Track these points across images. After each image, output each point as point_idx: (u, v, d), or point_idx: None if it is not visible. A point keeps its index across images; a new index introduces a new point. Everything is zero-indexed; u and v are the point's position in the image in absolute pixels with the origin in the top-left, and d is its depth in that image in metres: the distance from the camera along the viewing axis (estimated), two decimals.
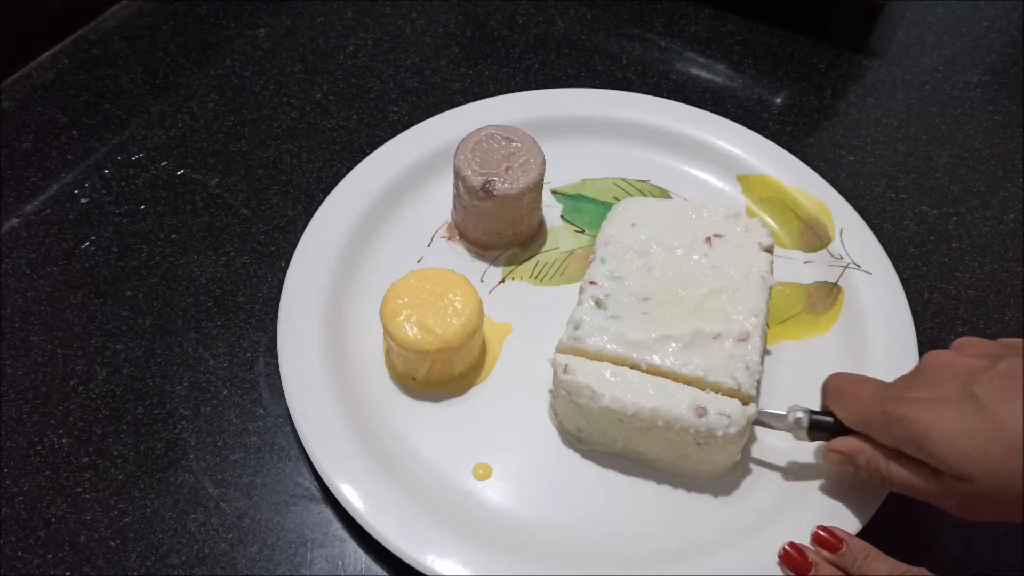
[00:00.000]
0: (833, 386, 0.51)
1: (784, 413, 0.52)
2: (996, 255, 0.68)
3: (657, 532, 0.52)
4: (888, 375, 0.51)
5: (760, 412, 0.52)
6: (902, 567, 0.46)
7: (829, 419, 0.50)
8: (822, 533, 0.49)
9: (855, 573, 0.47)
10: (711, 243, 0.58)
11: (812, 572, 0.48)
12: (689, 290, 0.55)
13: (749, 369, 0.52)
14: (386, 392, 0.58)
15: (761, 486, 0.54)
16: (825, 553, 0.48)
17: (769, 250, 0.58)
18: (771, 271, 0.57)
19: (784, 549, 0.49)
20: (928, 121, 0.77)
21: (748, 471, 0.55)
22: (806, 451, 0.55)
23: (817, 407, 0.52)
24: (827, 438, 0.51)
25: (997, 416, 0.42)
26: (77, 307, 0.62)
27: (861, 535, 0.49)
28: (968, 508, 0.44)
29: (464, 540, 0.50)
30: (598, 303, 0.55)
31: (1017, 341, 0.45)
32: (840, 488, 0.52)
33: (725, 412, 0.50)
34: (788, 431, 0.52)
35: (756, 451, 0.55)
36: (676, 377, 0.52)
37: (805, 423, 0.51)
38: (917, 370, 0.48)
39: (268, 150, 0.72)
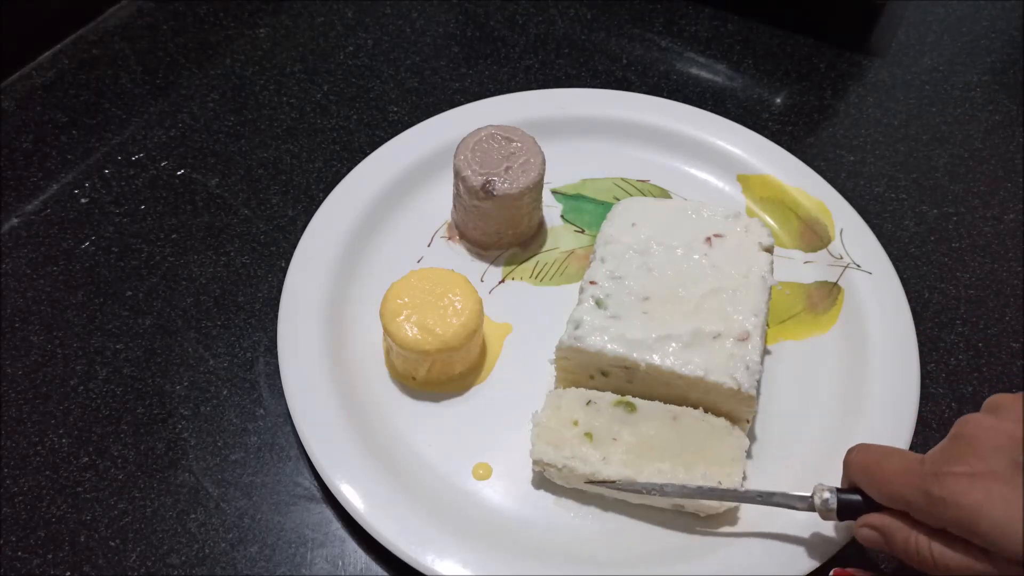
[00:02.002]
0: (858, 464, 0.46)
1: (808, 495, 0.47)
2: (996, 255, 0.68)
3: (657, 532, 0.52)
4: (888, 375, 0.51)
5: (781, 495, 0.48)
6: None
7: (858, 498, 0.46)
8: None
9: None
10: (711, 243, 0.58)
11: None
12: (689, 290, 0.55)
13: (749, 369, 0.52)
14: (386, 392, 0.58)
15: (761, 487, 0.54)
16: None
17: (769, 250, 0.58)
18: (771, 271, 0.57)
19: None
20: (928, 121, 0.77)
21: (749, 472, 0.54)
22: (806, 452, 0.55)
23: (821, 395, 0.51)
24: (856, 517, 0.46)
25: None
26: (77, 307, 0.62)
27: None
28: None
29: (464, 540, 0.50)
30: (598, 303, 0.55)
31: None
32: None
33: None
34: (813, 512, 0.47)
35: (757, 455, 0.55)
36: (676, 378, 0.52)
37: (833, 504, 0.46)
38: (953, 440, 0.42)
39: (268, 150, 0.72)
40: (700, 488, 0.49)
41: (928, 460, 0.42)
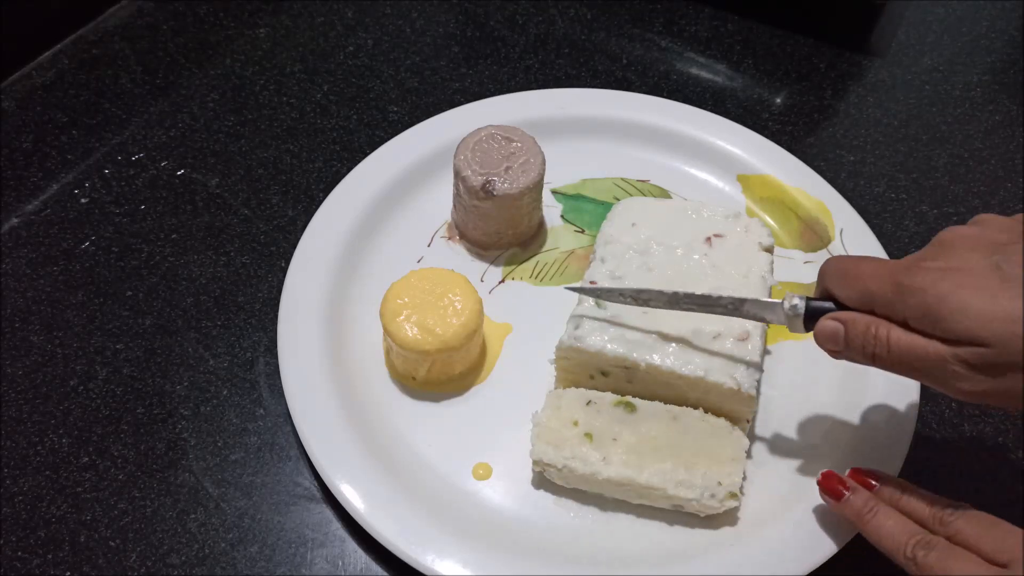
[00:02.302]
0: (834, 267, 0.46)
1: (779, 302, 0.49)
2: None
3: (657, 532, 0.52)
4: (888, 375, 0.50)
5: (751, 301, 0.49)
6: (945, 501, 0.45)
7: (828, 304, 0.46)
8: (857, 474, 0.48)
9: (905, 508, 0.45)
10: (711, 243, 0.58)
11: (847, 496, 0.47)
12: (689, 289, 0.55)
13: (749, 369, 0.52)
14: (386, 392, 0.58)
15: (762, 487, 0.54)
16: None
17: (769, 250, 0.58)
18: (771, 271, 0.57)
19: (822, 475, 0.49)
20: (928, 121, 0.77)
21: (749, 471, 0.55)
22: (806, 451, 0.55)
23: (821, 395, 0.51)
24: None
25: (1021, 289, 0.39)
26: (77, 307, 0.62)
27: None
28: (973, 382, 0.40)
29: (464, 540, 0.50)
30: (598, 302, 0.55)
31: None
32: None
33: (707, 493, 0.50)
34: (783, 323, 0.49)
35: (757, 455, 0.55)
36: (676, 378, 0.52)
37: (801, 309, 0.47)
38: (932, 244, 0.44)
39: (268, 150, 0.72)
40: (699, 296, 0.51)
41: (906, 259, 0.43)
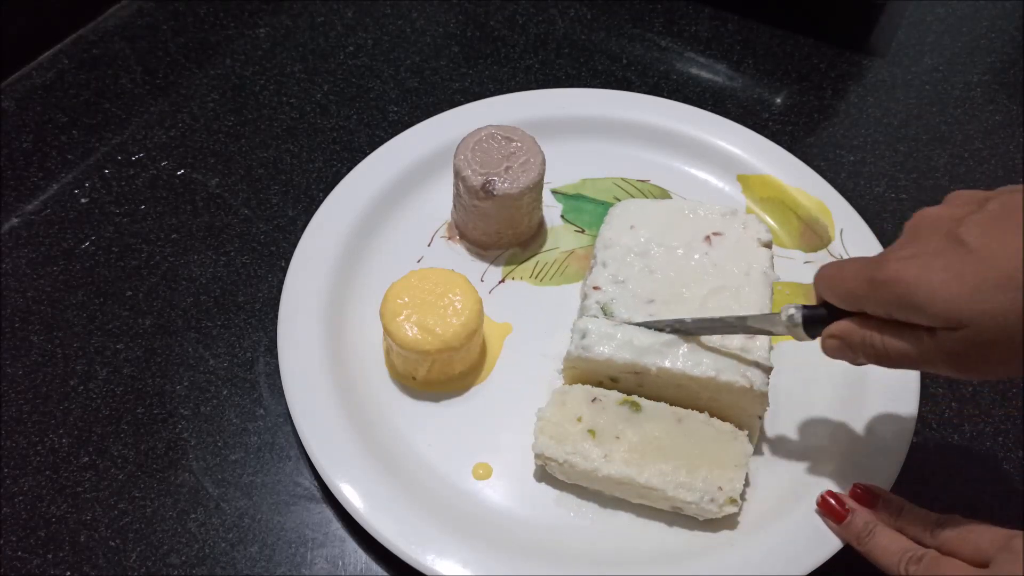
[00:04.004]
0: (822, 272, 0.47)
1: (776, 314, 0.49)
2: None
3: (657, 532, 0.52)
4: (888, 375, 0.51)
5: (751, 317, 0.51)
6: (935, 516, 0.46)
7: (822, 310, 0.48)
8: (859, 490, 0.50)
9: (892, 525, 0.47)
10: (710, 241, 0.58)
11: (848, 519, 0.49)
12: (692, 290, 0.55)
13: (760, 366, 0.52)
14: (386, 392, 0.58)
15: (761, 488, 0.54)
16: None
17: (768, 245, 0.58)
18: (772, 266, 0.57)
19: (822, 497, 0.50)
20: (928, 121, 0.77)
21: (749, 473, 0.54)
22: (806, 452, 0.55)
23: (820, 395, 0.51)
24: (821, 331, 0.48)
25: (984, 253, 0.39)
26: (77, 307, 0.62)
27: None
28: (965, 362, 0.41)
29: (464, 540, 0.50)
30: (604, 309, 0.55)
31: (1014, 187, 0.42)
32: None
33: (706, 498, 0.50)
34: (784, 333, 0.49)
35: (757, 455, 0.55)
36: (687, 380, 0.52)
37: (799, 319, 0.48)
38: (903, 232, 0.45)
39: (268, 150, 0.72)
40: (691, 320, 0.52)
41: (879, 254, 0.44)
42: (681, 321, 0.53)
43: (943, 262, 0.40)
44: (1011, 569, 0.41)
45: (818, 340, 0.48)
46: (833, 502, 0.50)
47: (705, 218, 0.59)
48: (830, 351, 0.47)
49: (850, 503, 0.50)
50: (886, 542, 0.46)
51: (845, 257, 0.49)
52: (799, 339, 0.49)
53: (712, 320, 0.52)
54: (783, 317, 0.49)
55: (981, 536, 0.43)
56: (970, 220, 0.41)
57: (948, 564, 0.43)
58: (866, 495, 0.50)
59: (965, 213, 0.42)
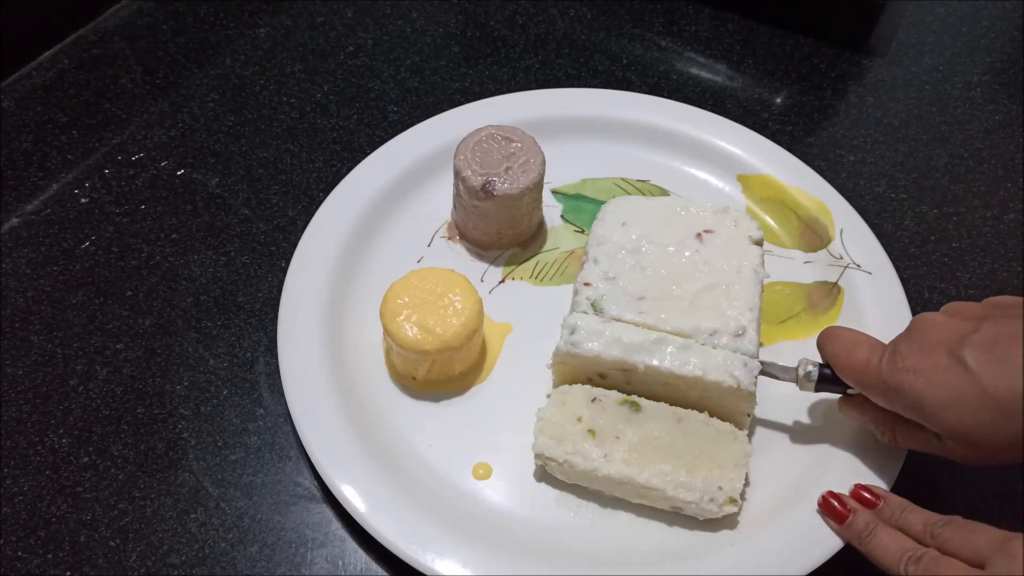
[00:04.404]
0: (828, 353, 0.52)
1: (794, 367, 0.53)
2: (996, 255, 0.68)
3: (657, 532, 0.52)
4: None
5: (767, 364, 0.53)
6: (936, 516, 0.47)
7: (832, 374, 0.52)
8: (859, 490, 0.51)
9: (893, 526, 0.48)
10: (702, 239, 0.58)
11: (849, 519, 0.49)
12: (683, 287, 0.55)
13: (747, 366, 0.52)
14: (386, 392, 0.58)
15: (761, 488, 0.54)
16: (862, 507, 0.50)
17: (759, 243, 0.58)
18: (762, 264, 0.57)
19: (823, 498, 0.51)
20: (928, 121, 0.77)
21: (749, 472, 0.54)
22: (806, 453, 0.55)
23: (820, 395, 0.52)
24: (832, 389, 0.53)
25: (985, 379, 0.43)
26: (77, 307, 0.62)
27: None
28: (971, 459, 0.46)
29: (464, 540, 0.50)
30: (594, 305, 0.55)
31: (1001, 299, 0.47)
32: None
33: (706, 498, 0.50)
34: (794, 382, 0.53)
35: (757, 455, 0.55)
36: (674, 378, 0.52)
37: (814, 377, 0.52)
38: (908, 333, 0.49)
39: (268, 150, 0.72)
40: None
41: (886, 355, 0.48)
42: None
43: (946, 380, 0.45)
44: (1007, 570, 0.41)
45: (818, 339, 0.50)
46: (835, 503, 0.50)
47: (697, 215, 0.59)
48: (847, 416, 0.54)
49: (851, 503, 0.50)
50: (887, 542, 0.47)
51: (837, 327, 0.54)
52: (806, 390, 0.53)
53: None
54: (800, 372, 0.53)
55: (979, 537, 0.44)
56: (970, 341, 0.45)
57: (947, 564, 0.44)
58: (867, 495, 0.50)
59: (967, 329, 0.46)
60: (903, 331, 0.49)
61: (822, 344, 0.53)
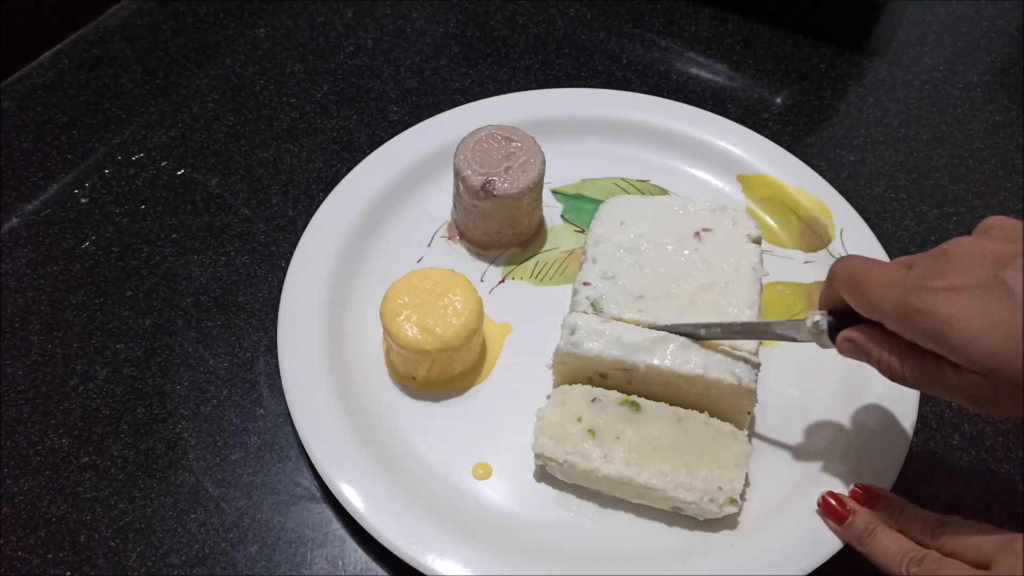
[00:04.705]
0: (844, 272, 0.45)
1: (802, 320, 0.48)
2: None
3: (657, 532, 0.52)
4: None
5: (775, 323, 0.50)
6: (935, 516, 0.46)
7: (847, 317, 0.46)
8: (859, 490, 0.50)
9: (892, 526, 0.47)
10: (700, 237, 0.58)
11: (849, 519, 0.49)
12: (682, 286, 0.55)
13: (748, 363, 0.52)
14: (386, 392, 0.58)
15: (761, 488, 0.54)
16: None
17: (757, 241, 0.58)
18: (761, 262, 0.57)
19: (823, 498, 0.50)
20: (928, 121, 0.77)
21: (749, 472, 0.54)
22: (806, 453, 0.55)
23: (820, 395, 0.52)
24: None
25: None
26: (77, 307, 0.62)
27: None
28: (986, 402, 0.40)
29: (464, 540, 0.50)
30: (594, 305, 0.55)
31: None
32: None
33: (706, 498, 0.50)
34: (809, 340, 0.48)
35: (757, 455, 0.55)
36: (675, 377, 0.52)
37: (824, 326, 0.47)
38: (939, 256, 0.42)
39: (268, 150, 0.72)
40: (719, 324, 0.52)
41: (912, 274, 0.42)
42: (708, 325, 0.52)
43: (984, 305, 0.39)
44: (1012, 570, 0.41)
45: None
46: (834, 503, 0.50)
47: (695, 214, 0.59)
48: (844, 352, 0.47)
49: (851, 504, 0.50)
50: (887, 543, 0.46)
51: (858, 254, 0.48)
52: (823, 346, 0.48)
53: (741, 324, 0.52)
54: (808, 324, 0.48)
55: (982, 537, 0.43)
56: (1018, 264, 0.39)
57: (949, 565, 0.43)
58: (867, 495, 0.50)
59: (1009, 252, 0.40)
60: (929, 252, 0.43)
61: (835, 268, 0.46)
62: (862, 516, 0.49)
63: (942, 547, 0.45)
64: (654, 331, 0.53)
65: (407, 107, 0.76)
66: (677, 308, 0.54)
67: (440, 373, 0.57)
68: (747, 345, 0.52)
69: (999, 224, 0.42)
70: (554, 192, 0.69)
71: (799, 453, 0.55)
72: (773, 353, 0.60)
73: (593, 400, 0.52)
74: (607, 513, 0.53)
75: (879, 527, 0.48)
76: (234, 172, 0.71)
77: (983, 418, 0.59)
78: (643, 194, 0.69)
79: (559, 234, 0.67)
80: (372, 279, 0.62)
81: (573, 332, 0.53)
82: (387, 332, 0.55)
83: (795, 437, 0.56)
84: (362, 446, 0.53)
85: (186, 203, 0.68)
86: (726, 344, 0.52)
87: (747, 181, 0.69)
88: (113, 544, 0.52)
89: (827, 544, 0.50)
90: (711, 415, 0.52)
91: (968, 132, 0.76)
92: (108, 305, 0.62)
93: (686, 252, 0.57)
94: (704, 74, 0.80)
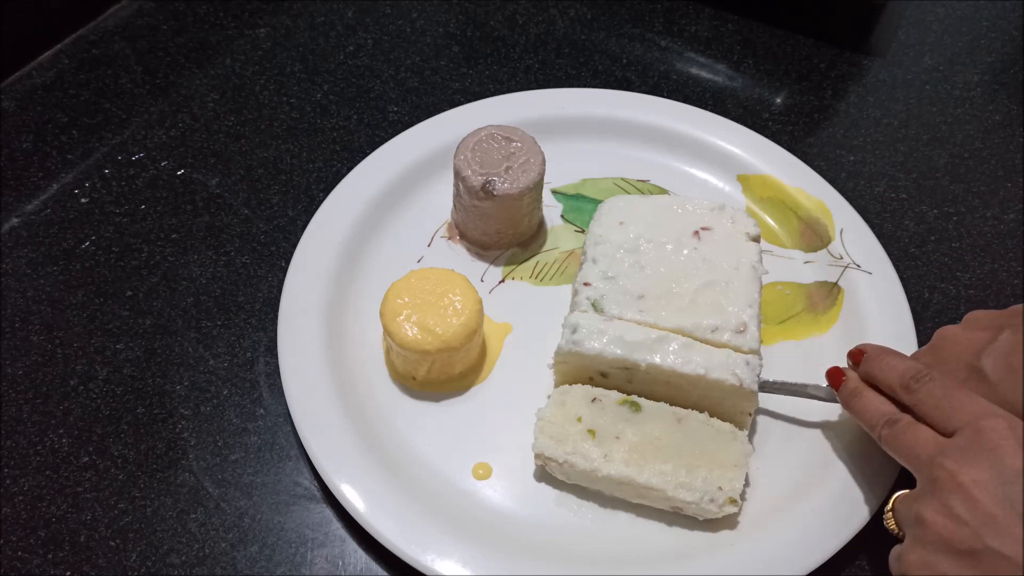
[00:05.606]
0: (863, 369, 0.51)
1: (826, 385, 0.53)
2: (996, 255, 0.68)
3: (656, 532, 0.52)
4: None
5: (800, 385, 0.54)
6: (915, 368, 0.47)
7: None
8: (855, 351, 0.52)
9: (878, 375, 0.49)
10: (699, 236, 0.58)
11: (844, 382, 0.51)
12: (682, 285, 0.55)
13: (749, 364, 0.52)
14: (386, 392, 0.58)
15: (761, 488, 0.54)
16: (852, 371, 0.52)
17: (756, 239, 0.58)
18: (760, 260, 0.57)
19: (829, 369, 0.53)
20: (928, 121, 0.77)
21: (749, 473, 0.55)
22: (806, 453, 0.55)
23: (821, 405, 0.52)
24: None
25: (1002, 387, 0.44)
26: (77, 307, 0.62)
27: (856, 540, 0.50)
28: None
29: (464, 540, 0.50)
30: (595, 305, 0.55)
31: (1020, 308, 0.47)
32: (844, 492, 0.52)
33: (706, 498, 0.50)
34: (831, 400, 0.53)
35: (757, 455, 0.55)
36: (677, 377, 0.52)
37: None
38: (928, 348, 0.50)
39: (268, 150, 0.72)
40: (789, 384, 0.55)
41: (912, 363, 0.48)
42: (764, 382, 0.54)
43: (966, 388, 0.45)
44: (973, 446, 0.41)
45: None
46: (836, 370, 0.52)
47: (694, 213, 0.59)
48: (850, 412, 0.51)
49: (848, 372, 0.52)
50: (868, 404, 0.49)
51: (868, 343, 0.53)
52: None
53: (780, 383, 0.55)
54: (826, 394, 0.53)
55: (953, 408, 0.44)
56: (989, 351, 0.46)
57: (915, 431, 0.45)
58: (854, 354, 0.52)
59: (984, 340, 0.47)
60: (926, 346, 0.51)
61: (858, 359, 0.52)
62: (853, 378, 0.51)
63: (916, 406, 0.46)
64: (656, 330, 0.53)
65: (407, 107, 0.76)
66: (678, 307, 0.54)
67: (440, 373, 0.57)
68: (750, 344, 0.52)
69: (976, 316, 0.49)
70: (554, 192, 0.69)
71: (799, 453, 0.55)
72: (773, 354, 0.60)
73: (593, 400, 0.52)
74: (607, 513, 0.53)
75: (864, 389, 0.50)
76: (234, 172, 0.71)
77: None
78: (643, 194, 0.69)
79: (559, 234, 0.67)
80: (372, 279, 0.62)
81: (575, 331, 0.53)
82: (387, 332, 0.55)
83: (795, 437, 0.56)
84: (362, 446, 0.53)
85: (186, 203, 0.68)
86: (728, 341, 0.52)
87: (747, 181, 0.69)
88: (113, 544, 0.52)
89: (827, 544, 0.50)
90: (712, 415, 0.52)
91: (968, 132, 0.76)
92: (108, 305, 0.62)
93: (686, 251, 0.57)
94: (704, 74, 0.80)
